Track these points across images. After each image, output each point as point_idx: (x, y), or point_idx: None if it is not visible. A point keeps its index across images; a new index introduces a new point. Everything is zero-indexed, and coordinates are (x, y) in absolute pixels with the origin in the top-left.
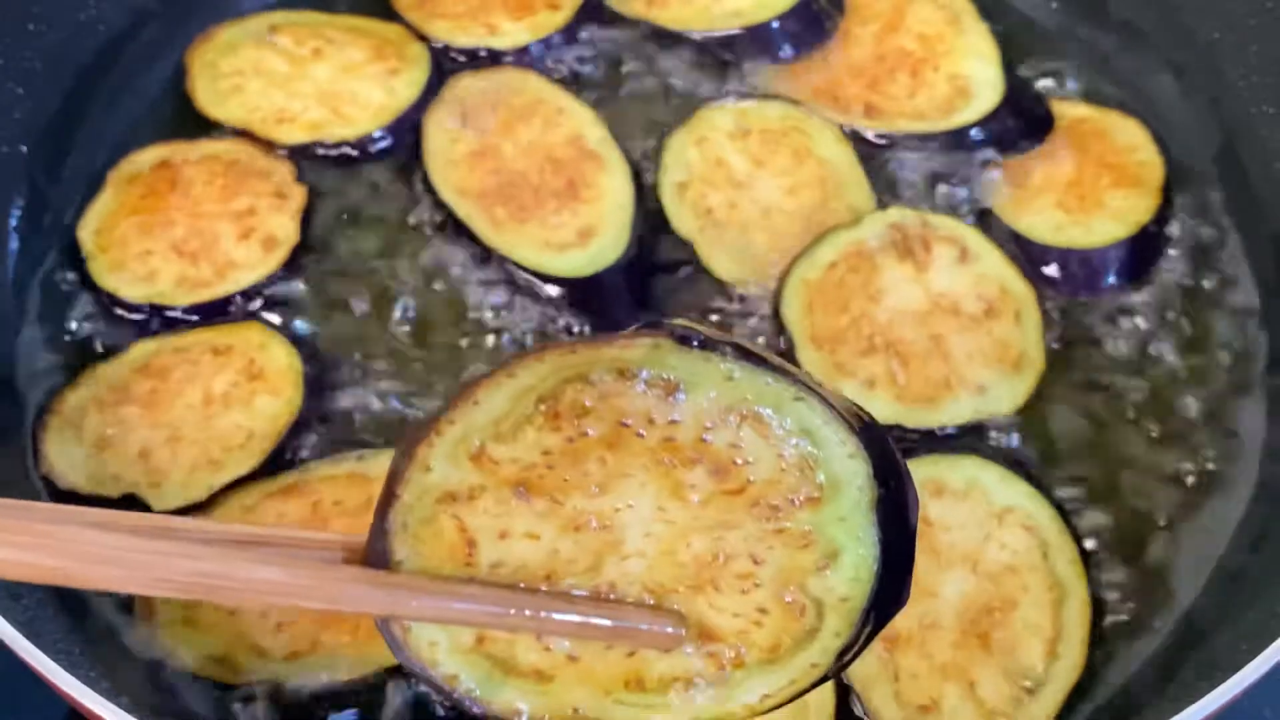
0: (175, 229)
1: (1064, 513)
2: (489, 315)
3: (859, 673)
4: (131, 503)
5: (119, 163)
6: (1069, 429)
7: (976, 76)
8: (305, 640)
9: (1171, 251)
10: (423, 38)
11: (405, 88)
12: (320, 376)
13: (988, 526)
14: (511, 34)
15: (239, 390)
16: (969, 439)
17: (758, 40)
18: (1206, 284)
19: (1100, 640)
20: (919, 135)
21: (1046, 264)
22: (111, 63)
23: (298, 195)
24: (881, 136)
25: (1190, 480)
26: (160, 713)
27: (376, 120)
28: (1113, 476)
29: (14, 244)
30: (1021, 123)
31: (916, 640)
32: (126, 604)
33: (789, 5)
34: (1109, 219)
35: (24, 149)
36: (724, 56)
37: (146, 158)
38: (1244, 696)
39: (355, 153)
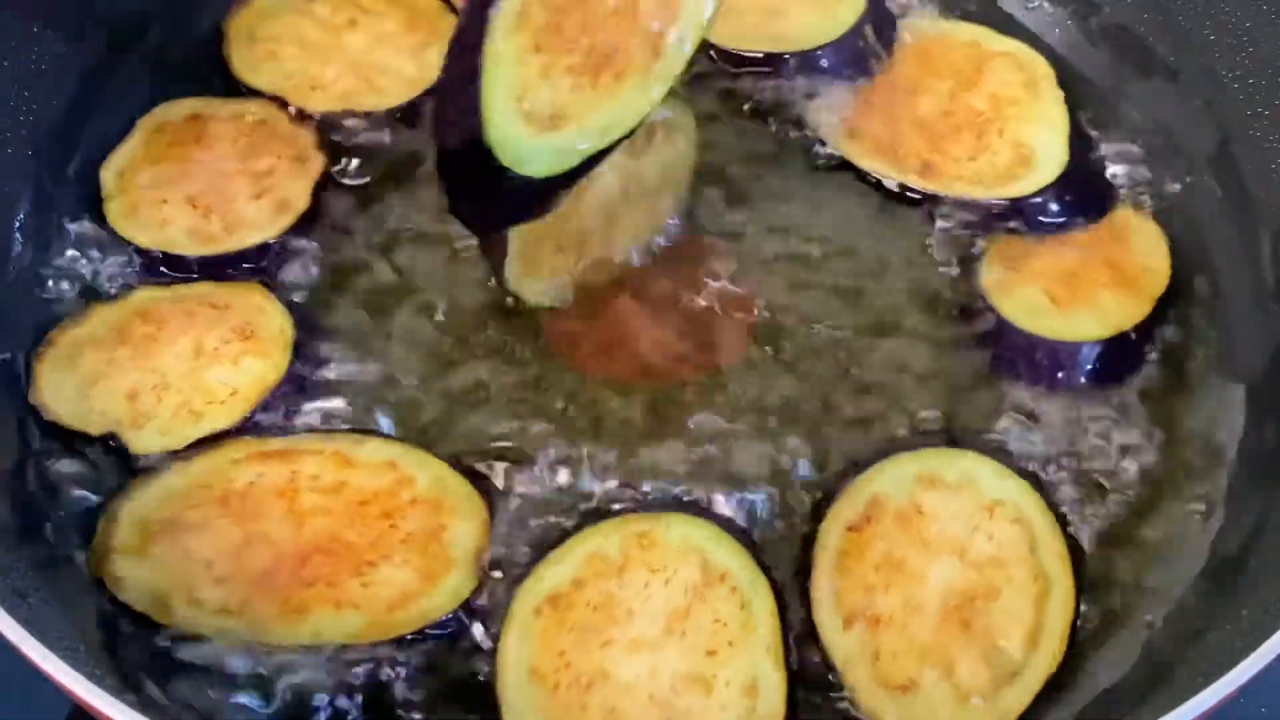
0: (193, 181)
1: (1057, 510)
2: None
3: (840, 650)
4: (111, 442)
5: (152, 110)
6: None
7: (1041, 146)
8: (237, 600)
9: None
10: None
11: (437, 60)
12: (311, 345)
13: (977, 519)
14: None
15: (229, 347)
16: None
17: (802, 67)
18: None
19: (1094, 638)
20: (968, 200)
21: (1014, 348)
22: (118, 63)
23: (317, 162)
24: (918, 193)
25: (1178, 480)
26: (164, 710)
27: (407, 91)
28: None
29: (18, 248)
30: (1076, 201)
31: (899, 622)
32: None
33: (833, 38)
34: (1091, 316)
35: (29, 151)
36: (768, 76)
37: (180, 109)
38: (1239, 694)
39: (383, 122)
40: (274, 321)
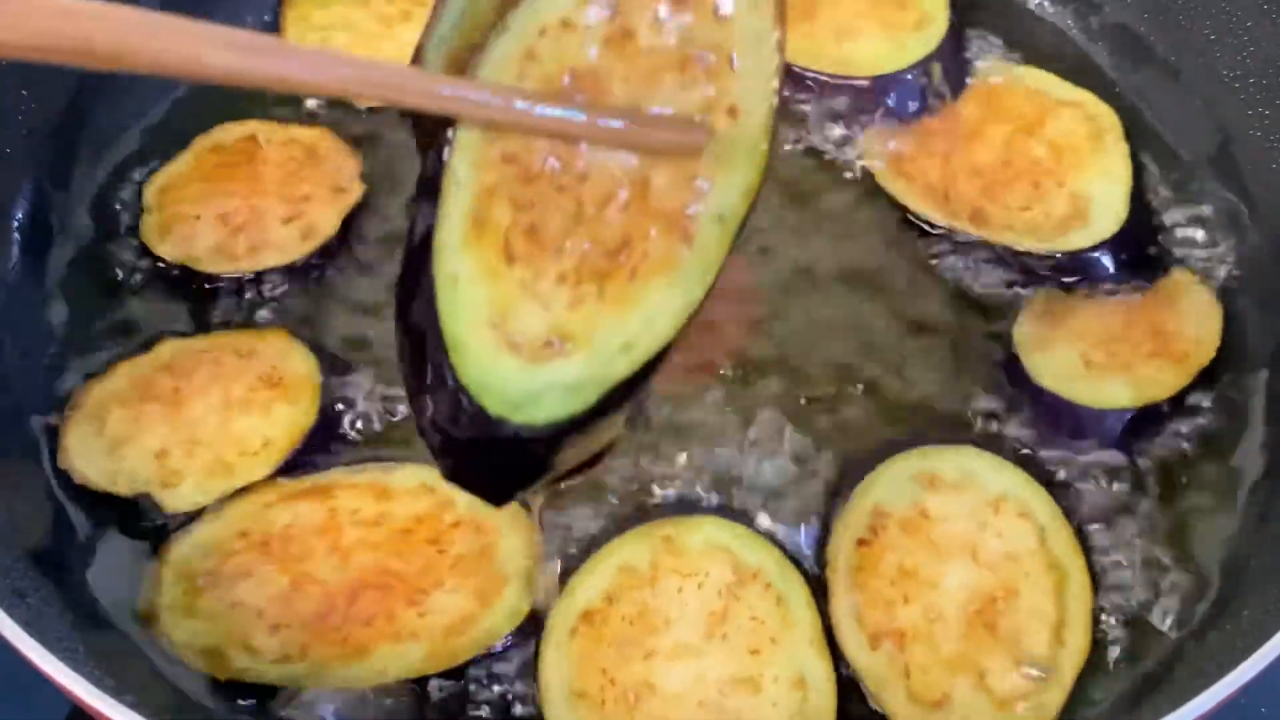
0: (231, 200)
1: (1057, 496)
2: None
3: (872, 673)
4: (144, 503)
5: (211, 129)
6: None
7: (1100, 199)
8: (296, 646)
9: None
10: None
11: None
12: (340, 387)
13: (983, 515)
14: None
15: (258, 396)
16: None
17: (860, 93)
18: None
19: (1095, 638)
20: (1019, 250)
21: (1036, 406)
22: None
23: (355, 193)
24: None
25: (1177, 481)
26: (165, 711)
27: None
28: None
29: (16, 250)
30: (1131, 260)
31: (924, 635)
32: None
33: (898, 69)
34: (1124, 384)
35: (28, 152)
36: (823, 95)
37: (237, 130)
38: (1240, 694)
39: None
40: (299, 366)
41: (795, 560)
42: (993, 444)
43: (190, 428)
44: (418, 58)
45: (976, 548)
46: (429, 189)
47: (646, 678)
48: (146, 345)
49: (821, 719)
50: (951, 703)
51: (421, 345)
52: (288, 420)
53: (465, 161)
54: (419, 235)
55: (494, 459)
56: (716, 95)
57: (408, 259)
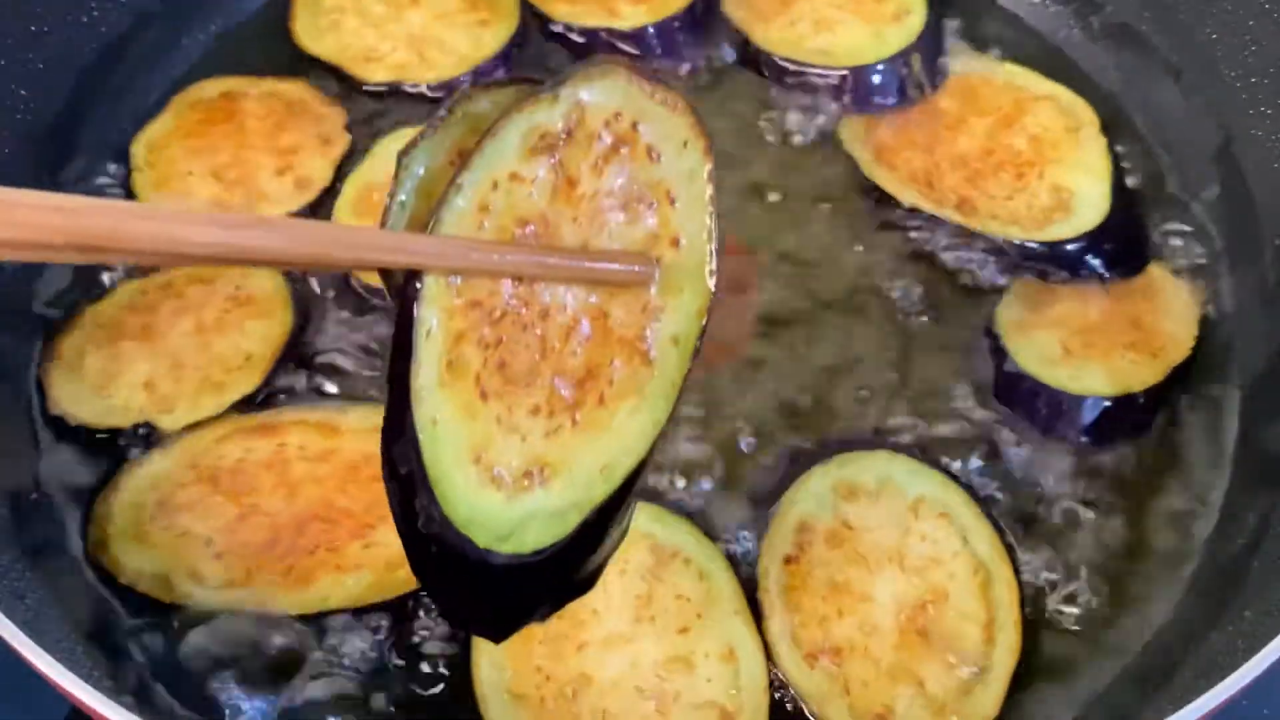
0: (220, 155)
1: (977, 497)
2: None
3: (812, 692)
4: (143, 431)
5: (187, 88)
6: None
7: (1082, 192)
8: (241, 572)
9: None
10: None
11: (491, 39)
12: (308, 297)
13: (905, 521)
14: (631, 17)
15: (230, 316)
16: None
17: (841, 84)
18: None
19: (1097, 640)
20: (1005, 239)
21: (1017, 390)
22: (115, 63)
23: (342, 143)
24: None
25: (1175, 481)
26: (161, 711)
27: (458, 68)
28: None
29: None
30: (1113, 253)
31: (860, 648)
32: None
33: (878, 60)
34: (1101, 373)
35: (27, 149)
36: (803, 87)
37: (214, 87)
38: (1242, 696)
39: (433, 96)
40: (267, 281)
41: (710, 533)
42: (967, 432)
43: (171, 356)
44: (384, 222)
45: (902, 554)
46: (403, 338)
47: (582, 670)
48: (102, 292)
49: (755, 685)
50: (894, 714)
51: (409, 486)
52: (264, 332)
53: (434, 310)
54: (397, 382)
55: (487, 591)
56: (659, 228)
57: (390, 405)
